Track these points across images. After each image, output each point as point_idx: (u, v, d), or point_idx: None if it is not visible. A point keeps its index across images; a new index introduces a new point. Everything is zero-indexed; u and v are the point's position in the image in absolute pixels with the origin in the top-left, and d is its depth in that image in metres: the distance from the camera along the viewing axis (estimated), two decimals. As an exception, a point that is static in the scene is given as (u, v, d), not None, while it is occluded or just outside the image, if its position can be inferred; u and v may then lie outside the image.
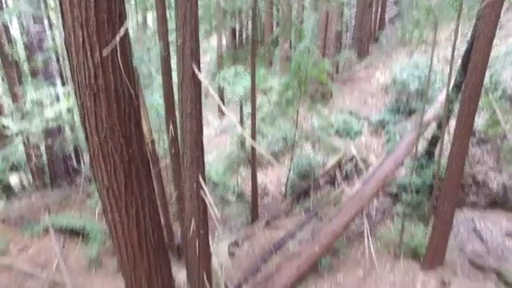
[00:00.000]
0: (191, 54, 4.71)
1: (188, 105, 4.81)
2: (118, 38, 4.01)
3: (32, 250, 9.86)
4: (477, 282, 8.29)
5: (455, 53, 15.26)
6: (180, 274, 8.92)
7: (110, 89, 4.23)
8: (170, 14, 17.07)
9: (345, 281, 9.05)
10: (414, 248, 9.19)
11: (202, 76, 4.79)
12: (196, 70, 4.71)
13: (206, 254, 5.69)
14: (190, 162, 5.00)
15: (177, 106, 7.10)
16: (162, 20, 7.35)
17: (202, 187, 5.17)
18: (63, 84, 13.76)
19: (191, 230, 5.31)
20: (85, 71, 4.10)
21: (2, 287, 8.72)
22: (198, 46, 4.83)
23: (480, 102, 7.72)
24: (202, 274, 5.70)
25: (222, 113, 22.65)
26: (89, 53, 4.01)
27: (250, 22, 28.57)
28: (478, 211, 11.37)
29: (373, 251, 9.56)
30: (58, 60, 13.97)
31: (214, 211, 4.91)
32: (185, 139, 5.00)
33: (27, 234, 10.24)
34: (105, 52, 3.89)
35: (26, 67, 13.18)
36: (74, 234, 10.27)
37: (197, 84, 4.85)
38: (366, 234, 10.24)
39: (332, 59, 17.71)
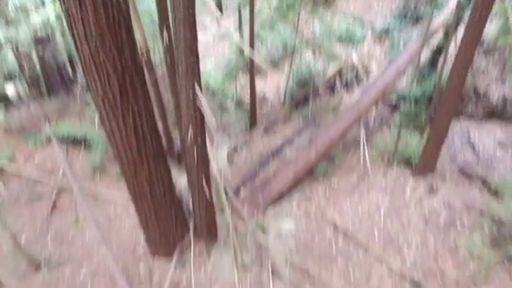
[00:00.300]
0: (182, -50, 4.30)
1: (180, 10, 4.53)
2: None
3: (37, 158, 10.17)
4: (463, 188, 8.70)
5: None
6: (181, 179, 9.34)
7: (95, -8, 3.96)
8: None
9: (339, 185, 9.51)
10: (408, 157, 9.45)
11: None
12: (187, -29, 4.35)
13: (205, 161, 5.90)
14: (185, 70, 4.89)
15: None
16: None
17: (198, 96, 5.14)
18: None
19: (189, 138, 5.42)
20: (66, -28, 3.81)
21: (14, 193, 9.21)
22: None
23: (493, 9, 7.22)
24: (201, 181, 5.97)
25: (220, 11, 21.46)
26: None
27: None
28: (474, 122, 11.44)
29: (367, 158, 9.90)
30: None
31: (209, 120, 4.95)
32: (179, 46, 4.82)
33: (31, 143, 10.46)
34: None
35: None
36: (76, 142, 10.46)
37: (189, -14, 4.51)
38: (362, 142, 10.50)
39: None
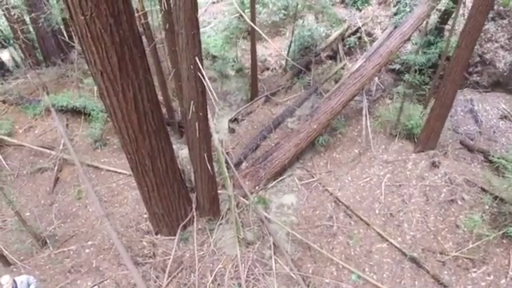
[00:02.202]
0: None
1: (180, -24, 4.27)
2: None
3: (37, 130, 10.02)
4: (464, 163, 8.64)
5: None
6: (182, 152, 9.25)
7: (88, -43, 3.68)
8: None
9: (340, 158, 9.46)
10: (410, 129, 9.29)
11: None
12: None
13: (207, 135, 5.78)
14: (186, 42, 4.67)
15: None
16: None
17: (199, 68, 4.95)
18: None
19: (190, 111, 5.27)
20: None
21: (16, 166, 9.13)
22: None
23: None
24: (204, 155, 5.88)
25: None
26: None
27: None
28: (477, 92, 11.25)
29: (369, 130, 9.78)
30: None
31: (212, 95, 4.79)
32: (178, 17, 4.57)
33: (30, 114, 10.29)
34: None
35: None
36: (76, 113, 10.29)
37: (190, -50, 4.23)
38: (364, 113, 10.33)
39: None
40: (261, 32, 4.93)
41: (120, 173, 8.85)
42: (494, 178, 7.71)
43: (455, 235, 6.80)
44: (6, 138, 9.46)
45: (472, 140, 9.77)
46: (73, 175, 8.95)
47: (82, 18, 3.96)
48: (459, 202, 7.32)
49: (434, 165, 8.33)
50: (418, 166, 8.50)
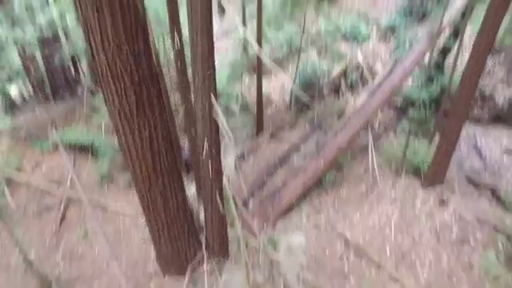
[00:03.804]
0: (202, -41, 4.16)
1: (198, 19, 4.39)
2: None
3: (45, 166, 9.98)
4: (472, 200, 8.57)
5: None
6: (189, 190, 9.16)
7: (114, 1, 3.82)
8: None
9: (347, 196, 9.38)
10: (416, 165, 9.28)
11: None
12: (207, -20, 4.20)
13: (219, 174, 5.77)
14: (202, 81, 4.75)
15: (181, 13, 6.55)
16: None
17: (214, 107, 5.01)
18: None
19: (204, 150, 5.27)
20: (85, -20, 3.66)
21: (22, 204, 9.02)
22: (209, -52, 4.25)
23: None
24: (215, 195, 5.84)
25: (222, 12, 21.21)
26: (88, -41, 3.53)
27: None
28: (480, 127, 11.35)
29: (376, 167, 9.76)
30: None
31: (227, 132, 4.81)
32: (195, 58, 4.67)
33: (38, 150, 10.27)
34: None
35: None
36: (83, 149, 10.27)
37: (208, -5, 4.37)
38: (370, 149, 10.34)
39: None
40: (269, 64, 5.03)
41: (127, 212, 8.72)
42: (506, 216, 7.64)
43: (470, 276, 6.63)
44: (13, 174, 9.40)
45: (478, 175, 9.76)
46: (79, 214, 8.80)
47: (104, 57, 4.05)
48: (472, 241, 7.20)
49: (443, 202, 8.26)
50: (427, 203, 8.42)
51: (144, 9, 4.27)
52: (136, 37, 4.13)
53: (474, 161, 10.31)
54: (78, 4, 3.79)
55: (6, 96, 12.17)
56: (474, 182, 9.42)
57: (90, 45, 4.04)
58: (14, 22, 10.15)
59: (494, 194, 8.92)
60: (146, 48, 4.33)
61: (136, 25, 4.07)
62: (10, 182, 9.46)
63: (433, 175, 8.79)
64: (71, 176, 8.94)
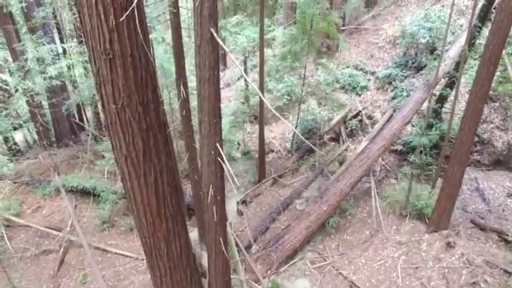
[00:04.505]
0: (209, 16, 4.44)
1: (206, 70, 4.62)
2: (135, 2, 3.75)
3: (45, 210, 10.01)
4: (480, 243, 8.48)
5: (469, 2, 14.57)
6: (191, 235, 9.07)
7: (126, 54, 4.02)
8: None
9: (352, 240, 9.27)
10: (420, 209, 9.32)
11: (220, 39, 4.54)
12: (214, 34, 4.46)
13: (223, 218, 5.75)
14: (208, 129, 4.89)
15: (189, 66, 6.87)
16: (170, -27, 6.91)
17: (219, 153, 5.11)
18: (61, 40, 13.22)
19: (209, 196, 5.31)
20: (99, 36, 3.88)
21: (21, 247, 8.91)
22: (216, 7, 4.54)
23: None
24: (219, 238, 5.79)
25: (223, 65, 22.00)
26: (102, 16, 3.77)
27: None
28: (481, 171, 11.48)
29: (379, 211, 9.73)
30: (54, 13, 13.29)
31: (232, 178, 4.87)
32: (202, 106, 4.85)
33: (39, 194, 10.34)
34: (122, 17, 3.65)
35: (20, 20, 12.58)
36: (85, 194, 10.35)
37: (215, 47, 4.62)
38: (372, 194, 10.38)
39: (339, 9, 16.87)
40: (273, 110, 5.19)
41: (127, 256, 8.59)
42: (515, 260, 7.51)
43: (484, 324, 6.42)
44: (13, 218, 9.40)
45: (482, 219, 9.71)
46: (78, 258, 8.68)
47: (114, 106, 4.20)
48: (482, 285, 7.03)
49: (450, 245, 8.16)
50: (433, 246, 8.31)
51: (153, 61, 4.50)
52: (145, 87, 4.31)
53: (477, 204, 10.31)
54: (91, 56, 4.01)
55: (11, 142, 12.39)
56: (479, 225, 9.38)
57: (101, 94, 4.20)
58: (26, 74, 10.59)
59: (501, 237, 8.85)
60: (154, 97, 4.50)
61: (146, 76, 4.27)
62: (9, 225, 9.44)
63: (438, 219, 8.75)
64: (72, 220, 8.88)
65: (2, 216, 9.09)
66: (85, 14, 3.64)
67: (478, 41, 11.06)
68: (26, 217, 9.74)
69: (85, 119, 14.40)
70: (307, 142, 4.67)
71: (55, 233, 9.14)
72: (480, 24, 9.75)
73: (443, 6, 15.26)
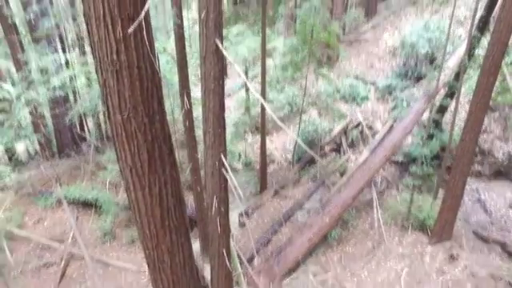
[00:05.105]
0: (215, 27, 4.48)
1: (211, 81, 4.64)
2: (142, 14, 3.78)
3: (47, 222, 9.95)
4: (483, 255, 8.44)
5: (468, 13, 14.70)
6: (193, 246, 9.00)
7: (132, 66, 4.04)
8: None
9: (354, 252, 9.21)
10: (422, 220, 9.25)
11: (225, 51, 4.58)
12: (220, 45, 4.50)
13: (226, 231, 5.72)
14: (213, 140, 4.89)
15: (190, 77, 6.91)
16: (174, -14, 7.00)
17: (223, 165, 5.10)
18: (64, 50, 13.29)
19: (213, 207, 5.29)
20: (106, 47, 3.90)
21: (22, 259, 8.83)
22: (221, 19, 4.59)
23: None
24: (223, 250, 5.74)
25: (224, 75, 22.04)
26: (110, 27, 3.79)
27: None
28: (482, 182, 11.44)
29: (381, 223, 9.68)
30: (57, 24, 13.38)
31: (237, 190, 4.87)
32: (207, 117, 4.86)
33: (41, 206, 10.28)
34: (130, 28, 3.68)
35: (23, 30, 12.68)
36: (87, 205, 10.30)
37: (220, 59, 4.65)
38: (374, 206, 10.34)
39: (340, 19, 17.00)
40: (276, 119, 5.20)
41: (129, 268, 8.51)
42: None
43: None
44: (14, 230, 9.33)
45: (485, 230, 9.65)
46: (79, 271, 8.61)
47: (120, 117, 4.21)
48: (487, 298, 6.97)
49: (453, 257, 8.11)
50: (436, 258, 8.26)
51: (158, 72, 4.52)
52: (151, 98, 4.32)
53: (479, 215, 10.27)
54: (98, 67, 4.03)
55: (13, 153, 12.37)
56: (482, 237, 9.33)
57: (107, 105, 4.21)
58: (29, 84, 10.63)
59: (504, 249, 8.79)
60: (159, 108, 4.51)
61: (152, 87, 4.28)
62: (10, 237, 9.37)
63: (440, 230, 8.69)
64: (73, 232, 8.82)
65: (4, 228, 9.04)
66: (92, 25, 3.66)
67: (477, 51, 11.16)
68: (27, 228, 9.68)
69: (86, 130, 14.41)
70: (309, 150, 4.66)
71: (57, 245, 9.06)
72: (479, 34, 9.85)
73: (442, 17, 15.41)
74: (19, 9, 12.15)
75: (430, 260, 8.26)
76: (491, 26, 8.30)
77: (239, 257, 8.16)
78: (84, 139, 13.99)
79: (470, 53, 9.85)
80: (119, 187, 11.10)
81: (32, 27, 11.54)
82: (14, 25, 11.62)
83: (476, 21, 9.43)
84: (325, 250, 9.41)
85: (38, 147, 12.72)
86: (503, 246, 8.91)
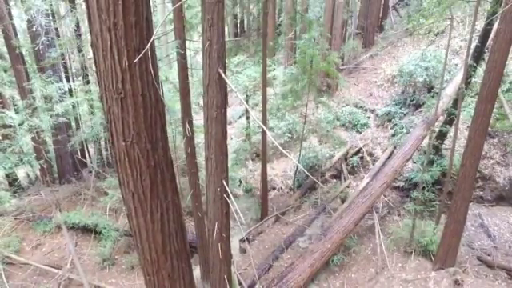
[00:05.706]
0: (218, 58, 4.63)
1: (214, 109, 4.75)
2: (148, 45, 3.94)
3: (45, 247, 9.86)
4: (488, 281, 8.30)
5: (462, 43, 15.11)
6: (193, 272, 8.91)
7: (137, 94, 4.16)
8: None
9: (357, 278, 9.07)
10: (425, 245, 9.18)
11: (227, 79, 4.71)
12: (222, 74, 4.64)
13: (228, 257, 5.69)
14: (215, 166, 4.96)
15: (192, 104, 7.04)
16: (178, 16, 7.24)
17: (225, 191, 5.14)
18: (68, 79, 13.59)
19: (215, 233, 5.29)
20: (112, 76, 4.02)
21: (19, 285, 8.71)
22: (225, 50, 4.75)
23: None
24: (224, 276, 5.70)
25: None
26: (116, 57, 3.92)
27: (251, 10, 28.07)
28: (484, 207, 11.42)
29: (384, 248, 9.59)
30: (62, 54, 13.75)
31: (238, 215, 4.89)
32: (209, 144, 4.94)
33: (40, 232, 10.23)
34: (135, 59, 3.82)
35: (29, 60, 13.00)
36: (86, 231, 10.24)
37: (222, 87, 4.79)
38: (376, 231, 10.28)
39: (338, 50, 17.42)
40: (277, 145, 5.27)
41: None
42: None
43: None
44: (12, 255, 9.23)
45: (489, 256, 9.55)
46: (77, 297, 8.49)
47: (123, 144, 4.29)
48: (495, 328, 6.82)
49: (458, 283, 7.99)
50: (440, 284, 8.13)
51: (162, 100, 4.65)
52: (155, 125, 4.42)
53: (483, 240, 10.17)
54: (103, 95, 4.15)
55: (15, 178, 12.42)
56: (486, 262, 9.21)
57: (111, 131, 4.30)
58: (33, 111, 10.82)
59: (510, 275, 8.68)
60: (162, 135, 4.60)
61: (155, 114, 4.39)
62: (8, 262, 9.25)
63: (443, 256, 8.60)
64: (72, 257, 8.73)
65: (1, 253, 8.96)
66: (99, 55, 3.80)
67: (473, 79, 11.39)
68: (25, 254, 9.57)
69: (87, 156, 14.51)
70: (311, 176, 4.71)
71: (55, 271, 8.94)
72: (475, 63, 10.10)
73: (438, 47, 15.79)
74: (26, 39, 12.51)
75: (434, 286, 8.13)
76: (485, 56, 8.55)
77: (240, 283, 8.05)
78: (85, 165, 14.07)
79: (467, 81, 10.07)
80: (119, 213, 11.08)
81: (38, 57, 11.86)
82: (21, 54, 11.95)
83: (471, 51, 9.72)
84: (327, 277, 9.28)
85: (38, 173, 12.78)
86: (509, 271, 8.78)
